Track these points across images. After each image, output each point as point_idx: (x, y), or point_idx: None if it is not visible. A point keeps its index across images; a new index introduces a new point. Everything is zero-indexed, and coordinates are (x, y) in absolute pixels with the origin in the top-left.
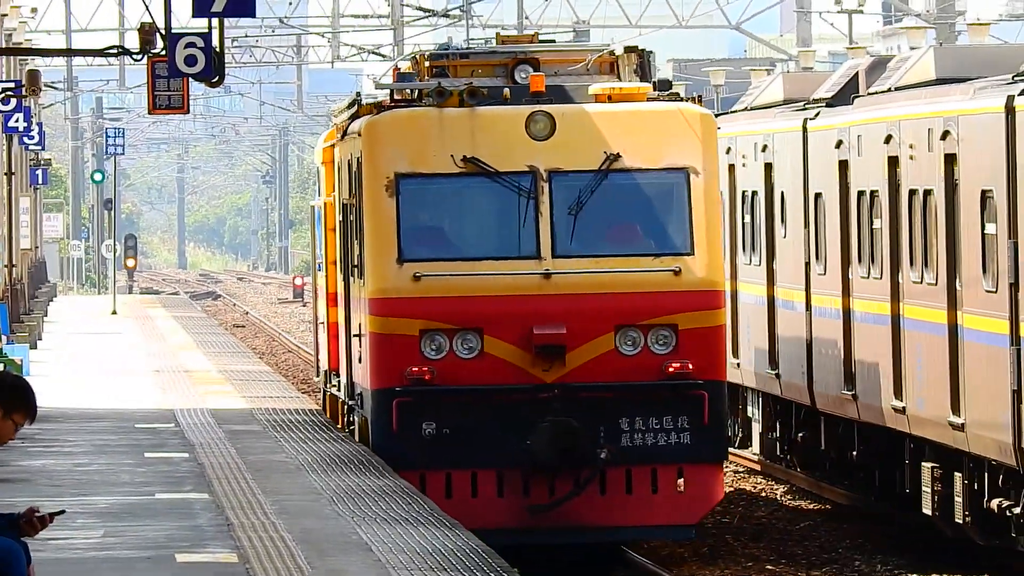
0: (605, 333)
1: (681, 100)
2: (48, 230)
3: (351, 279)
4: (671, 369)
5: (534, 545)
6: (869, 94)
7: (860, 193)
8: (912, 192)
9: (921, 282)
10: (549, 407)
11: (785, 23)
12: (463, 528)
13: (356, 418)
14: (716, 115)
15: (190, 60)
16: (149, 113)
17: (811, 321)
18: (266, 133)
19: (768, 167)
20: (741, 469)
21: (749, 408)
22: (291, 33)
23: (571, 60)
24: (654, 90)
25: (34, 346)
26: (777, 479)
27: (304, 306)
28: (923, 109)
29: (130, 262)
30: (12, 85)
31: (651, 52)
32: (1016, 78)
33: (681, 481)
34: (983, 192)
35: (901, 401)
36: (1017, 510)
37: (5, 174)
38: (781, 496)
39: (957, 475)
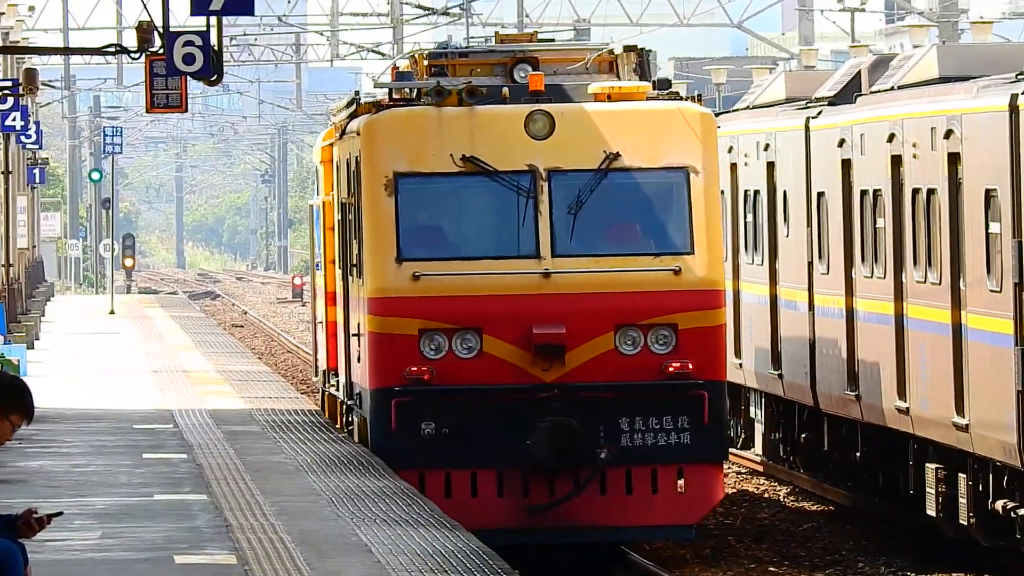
0: (605, 333)
1: (681, 99)
2: (45, 229)
3: (350, 278)
4: (671, 369)
5: (534, 545)
6: (872, 93)
7: (863, 192)
8: (915, 191)
9: (925, 282)
10: (549, 407)
11: (787, 21)
12: (463, 529)
13: (355, 418)
14: (718, 114)
15: (188, 58)
16: (147, 112)
17: (814, 321)
18: (265, 132)
19: (770, 166)
20: (743, 470)
21: (752, 409)
22: (290, 31)
23: (570, 59)
24: (653, 89)
25: (31, 346)
26: (780, 480)
27: (303, 306)
28: (926, 108)
29: (128, 262)
30: (9, 83)
31: (650, 51)
32: (1020, 76)
33: (681, 481)
34: (987, 191)
35: (905, 402)
36: (1022, 511)
37: (2, 173)
38: (784, 497)
39: (961, 476)
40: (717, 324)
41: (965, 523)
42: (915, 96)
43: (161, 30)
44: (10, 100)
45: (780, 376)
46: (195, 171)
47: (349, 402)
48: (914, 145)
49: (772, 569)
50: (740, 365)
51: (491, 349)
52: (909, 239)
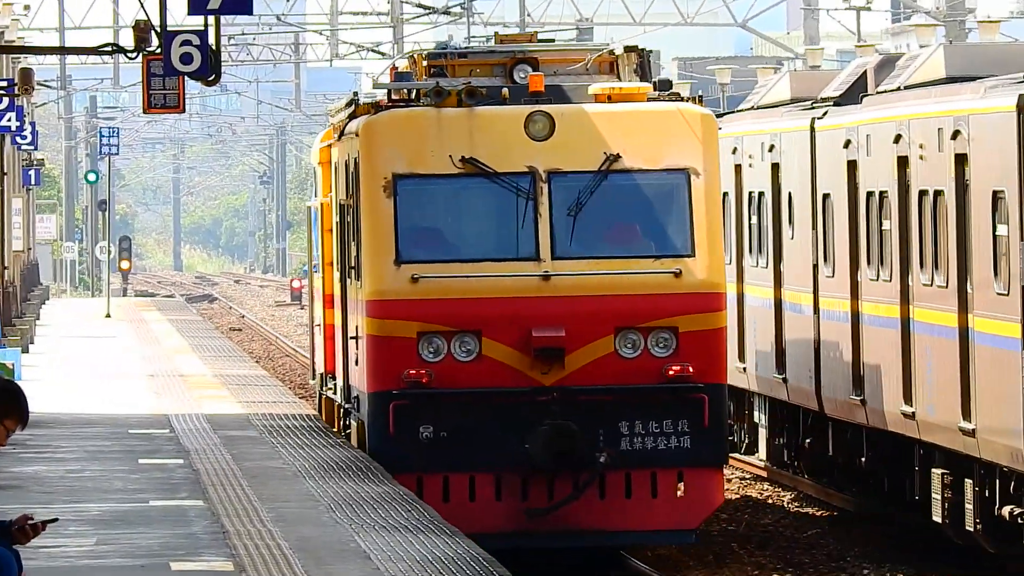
0: (605, 335)
1: (682, 100)
2: (41, 232)
3: (348, 281)
4: (671, 372)
5: (532, 549)
6: (878, 93)
7: (869, 194)
8: (922, 193)
9: (931, 284)
10: (548, 410)
11: (792, 20)
12: (463, 536)
13: (353, 421)
14: (722, 114)
15: (186, 58)
16: (144, 112)
17: (819, 324)
18: (263, 133)
19: (775, 167)
20: (747, 475)
21: (756, 413)
22: (289, 31)
23: (570, 60)
24: (654, 90)
25: (26, 350)
26: (784, 486)
27: (302, 309)
28: (933, 108)
29: (124, 264)
30: (4, 84)
31: (651, 51)
32: None
33: (681, 485)
34: (994, 193)
35: (911, 406)
36: None
37: None
38: (788, 503)
39: (968, 481)
40: (718, 327)
41: (971, 529)
42: (922, 96)
43: (158, 29)
44: (5, 100)
45: (784, 380)
46: (192, 172)
47: (347, 405)
48: (921, 146)
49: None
50: (744, 369)
51: (490, 352)
52: (915, 241)
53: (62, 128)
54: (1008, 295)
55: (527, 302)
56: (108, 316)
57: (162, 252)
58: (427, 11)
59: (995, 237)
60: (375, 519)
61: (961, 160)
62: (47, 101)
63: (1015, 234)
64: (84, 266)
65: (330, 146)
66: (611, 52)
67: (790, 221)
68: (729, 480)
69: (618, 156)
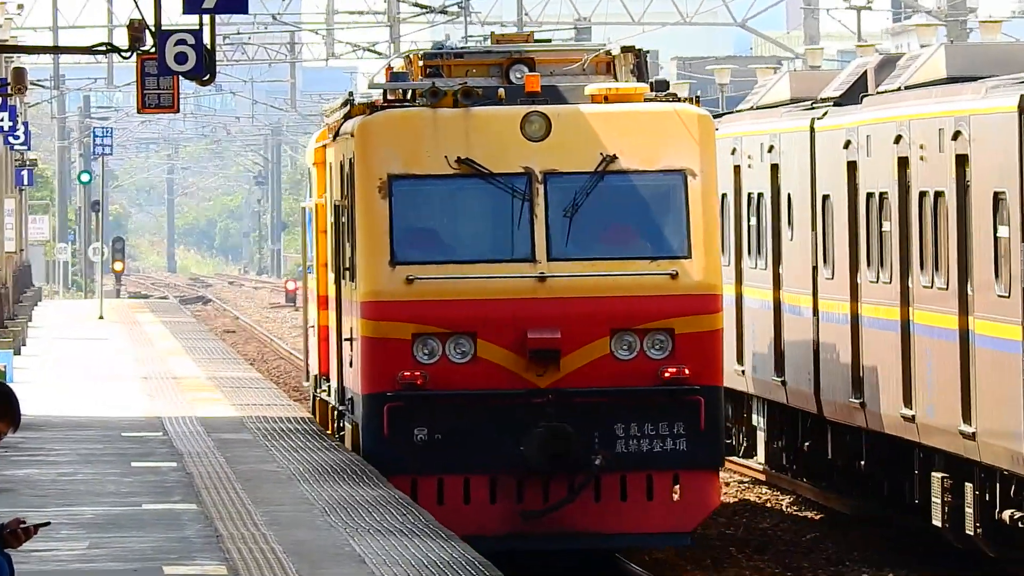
0: (600, 337)
1: (678, 100)
2: (33, 232)
3: (343, 282)
4: (667, 374)
5: (527, 551)
6: (878, 93)
7: (869, 195)
8: (922, 194)
9: (931, 286)
10: (543, 412)
11: (792, 20)
12: (458, 539)
13: (347, 423)
14: (721, 114)
15: (180, 58)
16: (138, 112)
17: (818, 326)
18: (258, 133)
19: (774, 168)
20: (746, 479)
21: (754, 416)
22: (284, 30)
23: (567, 60)
24: (651, 90)
25: (18, 352)
26: (783, 489)
27: (296, 311)
28: (934, 108)
29: (118, 265)
30: None
31: (648, 52)
32: None
33: (677, 488)
34: (995, 194)
35: (910, 409)
36: None
37: None
38: (786, 507)
39: (968, 485)
40: (714, 329)
41: (971, 533)
42: (922, 97)
43: (153, 28)
44: None
45: (783, 383)
46: (187, 173)
47: (341, 407)
48: (921, 147)
49: None
50: (742, 372)
51: (485, 354)
52: (916, 243)
53: (55, 128)
54: (1009, 297)
55: (522, 303)
56: (101, 318)
57: (156, 253)
58: (424, 10)
59: (996, 238)
60: (370, 523)
61: (962, 161)
62: (40, 101)
63: (1016, 235)
64: (77, 267)
65: (325, 146)
66: (608, 52)
67: (789, 222)
68: (727, 483)
69: (614, 157)
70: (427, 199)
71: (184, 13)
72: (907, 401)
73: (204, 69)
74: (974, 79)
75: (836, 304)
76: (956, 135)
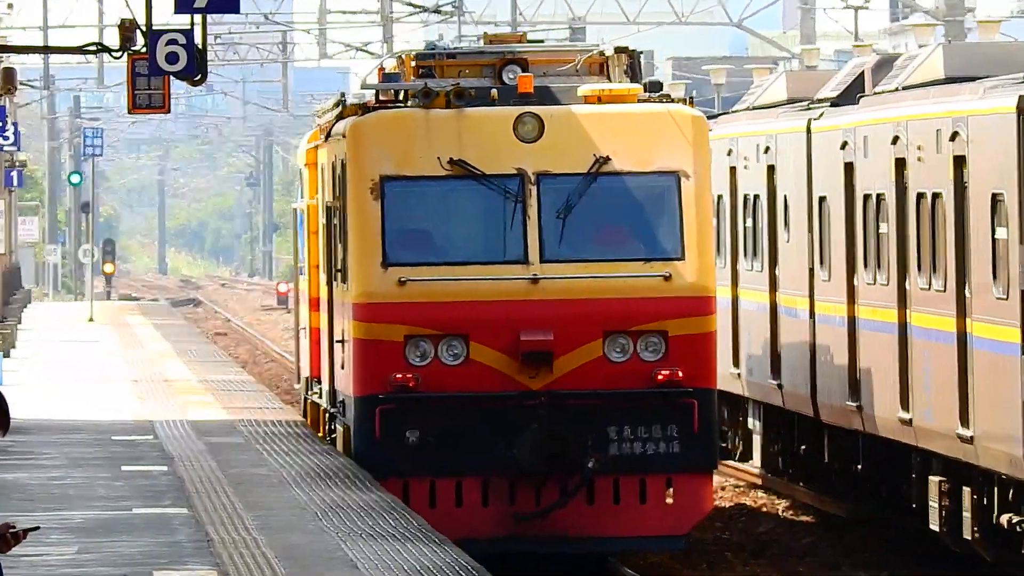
0: (593, 339)
1: (672, 101)
2: (23, 234)
3: (334, 283)
4: (660, 376)
5: (520, 555)
6: (875, 93)
7: (866, 196)
8: (920, 195)
9: (929, 289)
10: (535, 415)
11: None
12: (451, 544)
13: (338, 426)
14: (717, 115)
15: (171, 58)
16: (129, 113)
17: (815, 329)
18: (250, 133)
19: (771, 169)
20: (741, 483)
21: (750, 420)
22: (276, 30)
23: (560, 60)
24: (645, 91)
25: (7, 354)
26: (779, 493)
27: (288, 313)
28: (931, 109)
29: (108, 267)
30: None
31: (642, 52)
32: None
33: (670, 491)
34: (993, 195)
35: (908, 412)
36: None
37: None
38: (783, 511)
39: (966, 489)
40: (708, 331)
41: (969, 537)
42: (920, 97)
43: (144, 28)
44: None
45: (779, 386)
46: (178, 174)
47: (332, 410)
48: (919, 148)
49: None
50: (738, 375)
51: (478, 356)
52: (913, 245)
53: (45, 128)
54: (1007, 299)
55: (515, 305)
56: (91, 320)
57: (146, 255)
58: (417, 10)
59: (994, 240)
60: (362, 527)
61: (960, 162)
62: (30, 101)
63: (1014, 237)
64: (67, 269)
65: (317, 147)
66: (601, 53)
67: (786, 224)
68: (723, 487)
69: (608, 158)
70: (419, 200)
71: (175, 13)
72: (904, 404)
73: (195, 69)
74: (972, 79)
75: (833, 306)
76: (954, 136)
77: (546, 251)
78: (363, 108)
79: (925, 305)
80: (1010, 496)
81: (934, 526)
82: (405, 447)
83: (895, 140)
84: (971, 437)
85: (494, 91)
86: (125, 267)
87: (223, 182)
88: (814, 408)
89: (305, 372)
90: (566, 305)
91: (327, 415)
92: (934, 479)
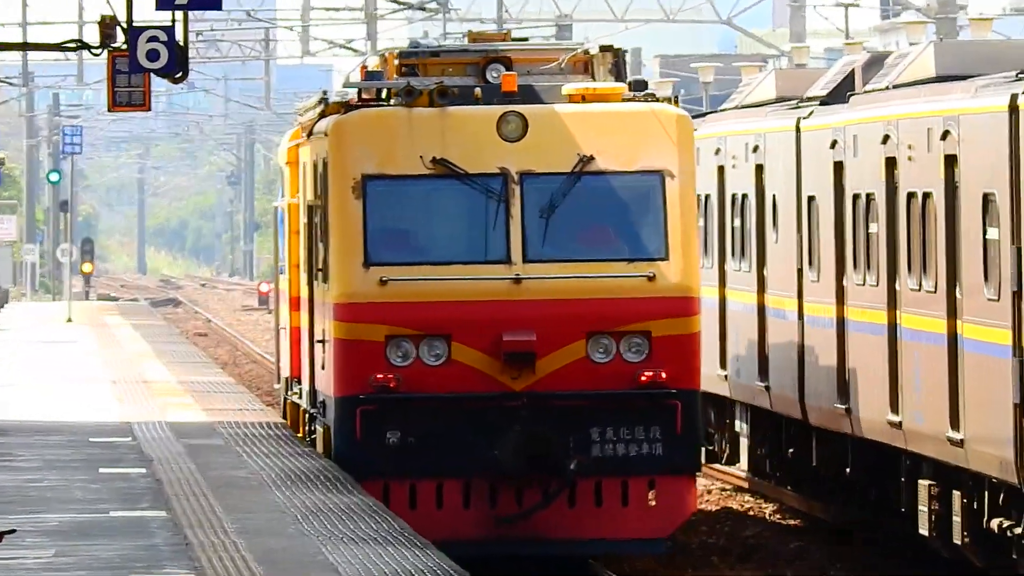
0: (576, 340)
1: (657, 101)
2: (1, 233)
3: (315, 283)
4: (644, 378)
5: (501, 557)
6: (866, 92)
7: (856, 196)
8: (910, 195)
9: (919, 290)
10: (517, 416)
11: (778, 17)
12: (433, 547)
13: (318, 427)
14: (705, 114)
15: (152, 55)
16: (109, 110)
17: (803, 330)
18: (232, 131)
19: (759, 168)
20: (728, 486)
21: (737, 422)
22: (259, 27)
23: (544, 59)
24: (629, 90)
25: None
26: (766, 497)
27: (269, 314)
28: (922, 108)
29: (87, 267)
30: None
31: (627, 51)
32: (1020, 75)
33: (653, 493)
34: (985, 195)
35: (897, 415)
36: (1019, 530)
37: None
38: (770, 515)
39: (956, 493)
40: (692, 332)
41: (959, 542)
42: (911, 96)
43: (124, 25)
44: None
45: (767, 388)
46: (158, 172)
47: (312, 410)
48: (909, 147)
49: None
50: (725, 376)
51: (459, 356)
52: (903, 245)
53: (24, 126)
54: (998, 301)
55: (497, 306)
56: (69, 320)
57: (126, 254)
58: (402, 7)
59: (985, 241)
60: (343, 531)
61: (951, 161)
62: (8, 98)
63: (1006, 238)
64: (45, 269)
65: (298, 145)
66: (585, 52)
67: (774, 224)
68: (709, 491)
69: (591, 157)
70: (402, 200)
71: (157, 9)
72: (894, 407)
73: (176, 66)
74: (964, 78)
75: (822, 307)
76: (945, 135)
77: (529, 251)
78: (345, 106)
79: (915, 306)
80: (1001, 500)
81: (924, 531)
82: (386, 448)
83: (885, 139)
84: (961, 440)
85: (477, 90)
86: (104, 267)
87: (204, 181)
88: (802, 411)
89: (285, 372)
90: (549, 305)
91: (307, 416)
92: (924, 483)
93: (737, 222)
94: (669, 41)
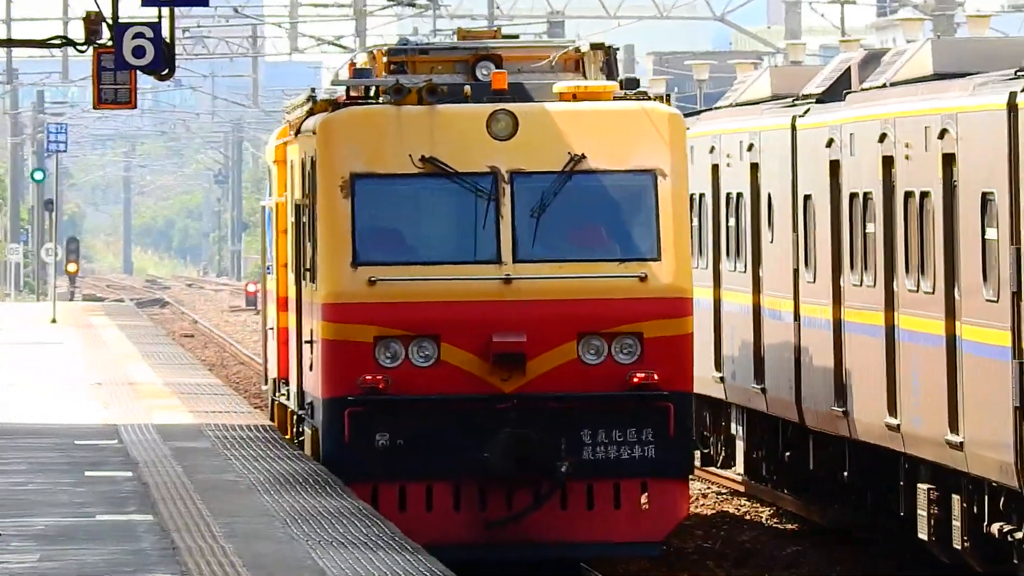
0: (567, 341)
1: (648, 99)
2: None
3: (303, 283)
4: (636, 379)
5: (491, 561)
6: (862, 90)
7: (852, 195)
8: (908, 194)
9: (917, 291)
10: (508, 418)
11: (773, 14)
12: (423, 551)
13: (306, 428)
14: (699, 111)
15: (138, 51)
16: (94, 108)
17: (799, 332)
18: (219, 129)
19: (754, 167)
20: (724, 490)
21: (732, 425)
22: (246, 23)
23: (535, 57)
24: (621, 88)
25: None
26: (762, 501)
27: (257, 315)
28: (920, 106)
29: (72, 267)
30: None
31: (618, 48)
32: (1019, 73)
33: (645, 496)
34: (983, 195)
35: (895, 418)
36: (1019, 535)
37: None
38: (766, 519)
39: (955, 497)
40: (684, 333)
41: (959, 547)
42: (908, 94)
43: (110, 21)
44: None
45: (763, 390)
46: (144, 171)
47: (300, 412)
48: (907, 146)
49: None
50: (720, 378)
51: (449, 357)
52: (901, 245)
53: (7, 124)
54: (998, 302)
55: (487, 306)
56: (54, 321)
57: (111, 254)
58: (391, 3)
59: (984, 241)
60: (332, 535)
61: (949, 160)
62: None
63: (1005, 238)
64: (29, 269)
65: (286, 144)
66: (576, 49)
67: (770, 224)
68: (705, 495)
69: (583, 156)
70: (390, 199)
71: (143, 6)
72: (892, 410)
73: (163, 63)
74: (962, 76)
75: (818, 308)
76: (943, 134)
77: (519, 251)
78: (334, 104)
79: (913, 307)
80: (1001, 504)
81: (922, 535)
82: (375, 450)
83: (882, 138)
84: (961, 443)
85: (467, 88)
86: (89, 266)
87: (191, 179)
88: (799, 413)
89: (273, 373)
90: (539, 306)
91: (295, 417)
92: (922, 487)
93: (732, 222)
94: (663, 38)
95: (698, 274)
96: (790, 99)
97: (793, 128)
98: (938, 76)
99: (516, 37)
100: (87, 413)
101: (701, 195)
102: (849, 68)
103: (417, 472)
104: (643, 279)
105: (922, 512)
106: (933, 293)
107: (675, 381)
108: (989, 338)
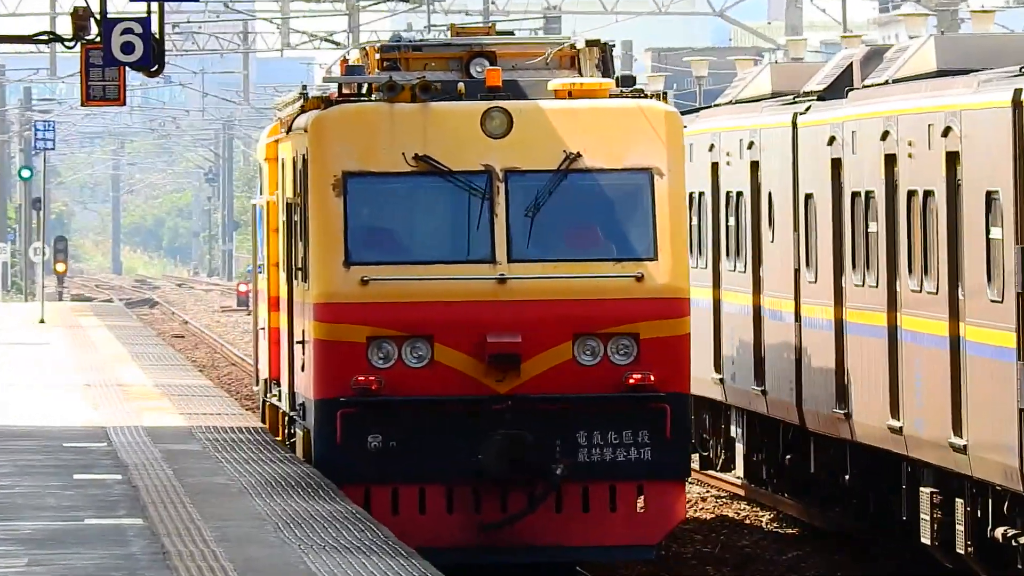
0: (563, 342)
1: (645, 97)
2: None
3: (295, 282)
4: (632, 380)
5: (485, 565)
6: (864, 87)
7: (854, 194)
8: (911, 193)
9: (920, 291)
10: (502, 419)
11: (773, 10)
12: (417, 556)
13: (298, 430)
14: (698, 109)
15: (127, 47)
16: (82, 105)
17: (800, 333)
18: (209, 127)
19: (755, 166)
20: (723, 494)
21: (732, 428)
22: (237, 18)
23: (529, 54)
24: (617, 86)
25: None
26: (762, 505)
27: (248, 315)
28: (923, 103)
29: (60, 266)
30: None
31: (614, 45)
32: None
33: (641, 499)
34: (988, 193)
35: (898, 420)
36: (1023, 539)
37: None
38: (767, 523)
39: (959, 501)
40: (681, 334)
41: (962, 552)
42: (911, 91)
43: (98, 16)
44: None
45: (763, 392)
46: (133, 169)
47: (292, 413)
48: (910, 143)
49: None
50: (720, 380)
51: (443, 358)
52: (904, 245)
53: None
54: (1002, 302)
55: (481, 306)
56: (42, 322)
57: (100, 254)
58: None
59: (988, 240)
60: (325, 539)
61: (952, 158)
62: None
63: (1009, 237)
64: (17, 269)
65: (278, 141)
66: (572, 46)
67: (770, 223)
68: (704, 498)
69: (578, 155)
70: (383, 197)
71: (131, 1)
72: (894, 412)
73: (152, 59)
74: (966, 72)
75: (819, 309)
76: (946, 131)
77: (514, 250)
78: (326, 101)
79: (916, 308)
80: (1005, 508)
81: (925, 540)
82: (367, 452)
83: (885, 135)
84: (964, 446)
85: (461, 85)
86: (78, 266)
87: (181, 177)
88: (799, 416)
89: (264, 374)
90: (534, 306)
91: (287, 419)
92: (925, 491)
93: (732, 221)
94: (661, 34)
95: (697, 274)
96: (791, 96)
97: (794, 126)
98: (941, 73)
99: (511, 34)
100: (76, 415)
101: (700, 194)
102: (851, 65)
103: (410, 474)
104: (639, 279)
105: (925, 516)
106: (936, 293)
107: (672, 382)
108: (993, 339)
